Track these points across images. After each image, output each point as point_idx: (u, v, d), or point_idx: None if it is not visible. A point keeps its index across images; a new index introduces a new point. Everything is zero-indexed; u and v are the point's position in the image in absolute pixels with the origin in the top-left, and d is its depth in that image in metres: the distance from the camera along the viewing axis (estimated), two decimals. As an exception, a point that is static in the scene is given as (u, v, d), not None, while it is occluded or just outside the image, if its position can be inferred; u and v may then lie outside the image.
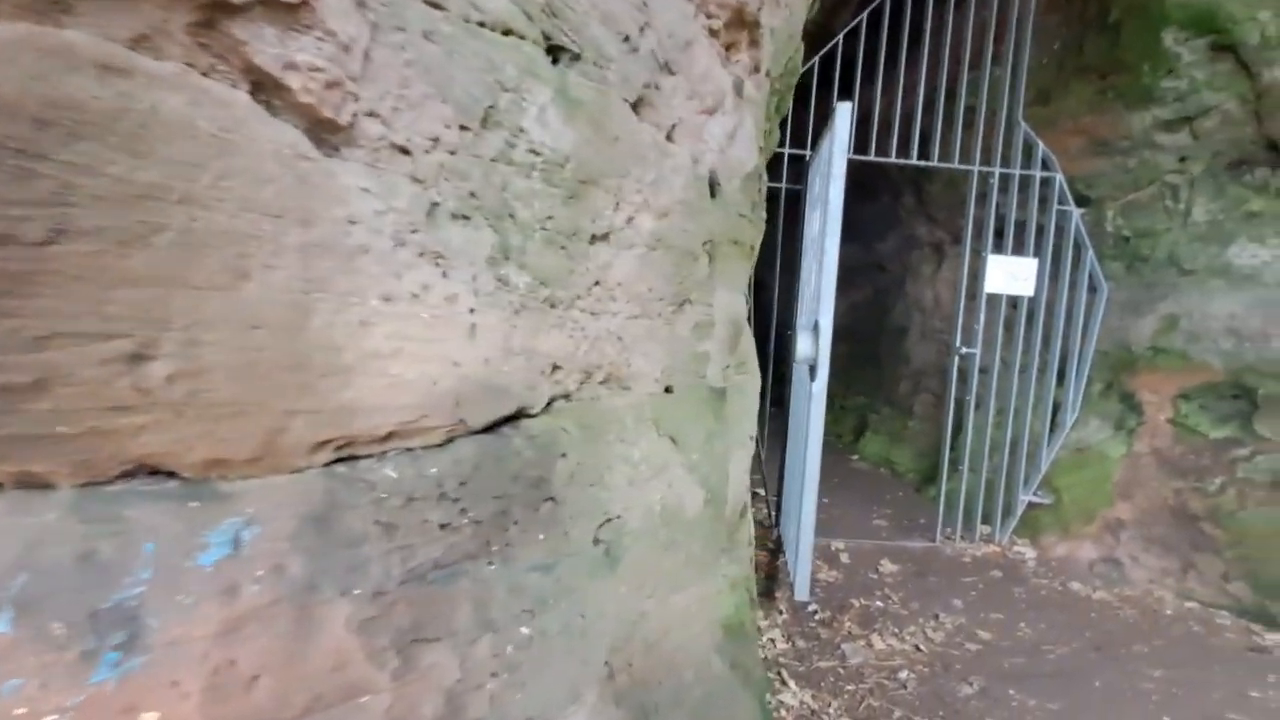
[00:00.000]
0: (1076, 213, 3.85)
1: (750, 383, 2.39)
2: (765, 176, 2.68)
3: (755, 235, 2.26)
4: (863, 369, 6.46)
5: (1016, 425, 4.01)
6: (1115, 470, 3.83)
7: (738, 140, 1.92)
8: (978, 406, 4.14)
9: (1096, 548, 3.75)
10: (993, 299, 3.96)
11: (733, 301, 2.05)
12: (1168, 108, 3.42)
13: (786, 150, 3.75)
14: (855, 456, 5.83)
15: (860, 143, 3.81)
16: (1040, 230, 3.89)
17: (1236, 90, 3.17)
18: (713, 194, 1.88)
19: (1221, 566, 3.34)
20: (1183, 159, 3.52)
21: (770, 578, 3.50)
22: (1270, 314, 3.27)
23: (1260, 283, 3.29)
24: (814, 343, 2.70)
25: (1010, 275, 3.83)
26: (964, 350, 3.89)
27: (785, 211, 3.96)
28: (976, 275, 3.92)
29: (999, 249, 3.93)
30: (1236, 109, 3.20)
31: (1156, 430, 3.73)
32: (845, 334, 6.92)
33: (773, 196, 3.91)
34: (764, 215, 2.70)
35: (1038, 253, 3.89)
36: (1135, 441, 3.80)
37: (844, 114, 2.75)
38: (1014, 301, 4.05)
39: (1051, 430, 4.10)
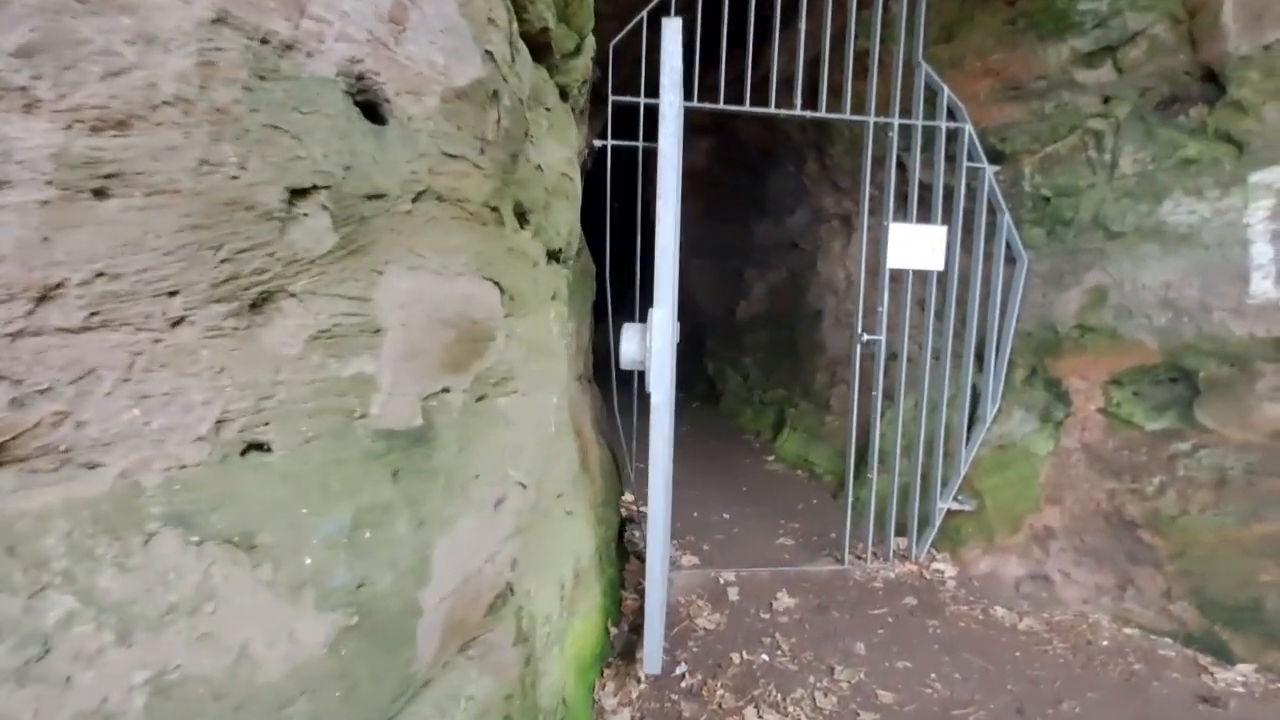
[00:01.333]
0: (989, 170, 3.28)
1: (524, 406, 1.69)
2: (549, 105, 1.96)
3: (502, 191, 1.55)
4: (782, 359, 5.88)
5: (931, 421, 3.44)
6: (1042, 469, 3.30)
7: (420, 29, 1.20)
8: (889, 400, 3.55)
9: (1023, 563, 3.21)
10: (900, 276, 3.36)
11: (451, 291, 1.34)
12: (1087, 36, 2.84)
13: (642, 101, 3.06)
14: (771, 457, 5.24)
15: (735, 96, 3.14)
16: (949, 192, 3.30)
17: (1166, 8, 2.61)
18: (377, 118, 1.16)
19: (1163, 583, 2.82)
20: (1106, 99, 2.96)
21: (637, 630, 2.84)
22: (1210, 281, 2.75)
23: (1198, 244, 2.76)
24: (642, 341, 2.01)
25: (915, 247, 3.23)
26: (866, 338, 3.28)
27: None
28: (882, 248, 3.31)
29: (903, 216, 3.33)
30: (1166, 32, 2.64)
31: (1086, 422, 3.20)
32: (764, 320, 6.33)
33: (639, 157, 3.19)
34: (560, 171, 1.99)
35: (947, 219, 3.30)
36: (1063, 435, 3.27)
37: (671, 32, 2.06)
38: (925, 278, 3.47)
39: (971, 425, 3.55)
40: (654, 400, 2.17)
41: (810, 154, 4.51)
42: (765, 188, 5.40)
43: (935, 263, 3.28)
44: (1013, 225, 3.34)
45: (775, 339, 6.02)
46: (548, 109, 1.89)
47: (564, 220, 2.08)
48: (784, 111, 3.13)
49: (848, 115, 3.18)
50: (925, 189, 3.39)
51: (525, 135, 1.63)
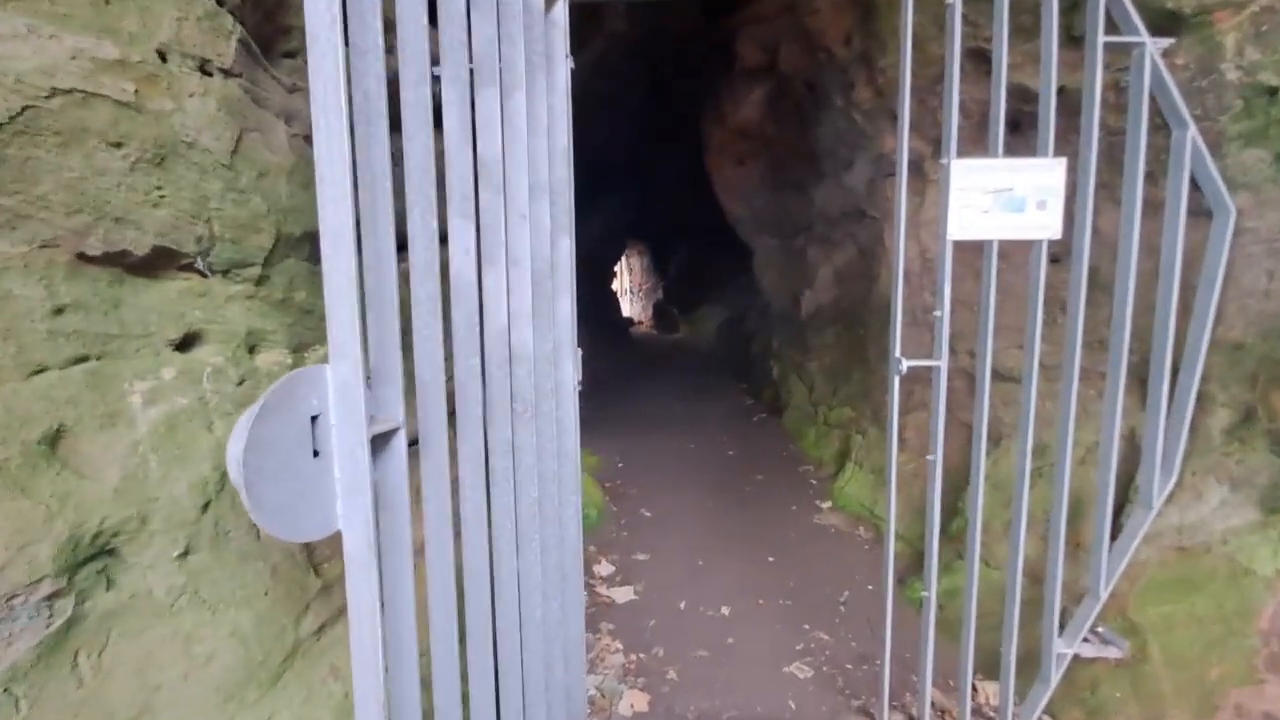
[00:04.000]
0: (1150, 46, 1.76)
1: None
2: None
3: None
4: (851, 368, 4.43)
5: (1041, 491, 2.00)
6: (1265, 603, 1.77)
7: None
8: (994, 445, 2.15)
9: (1226, 782, 1.72)
10: (970, 251, 1.94)
11: None
12: None
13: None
14: (828, 504, 3.86)
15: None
16: (1069, 99, 1.84)
17: None
18: None
19: None
20: None
21: None
22: None
23: None
24: (246, 435, 0.92)
25: (999, 200, 1.81)
26: (906, 365, 1.92)
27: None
28: (941, 205, 1.92)
29: (978, 146, 1.91)
30: None
31: (1370, 523, 1.63)
32: (831, 315, 4.89)
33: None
34: (54, 85, 0.92)
35: (1068, 148, 1.83)
36: (1315, 542, 1.72)
37: None
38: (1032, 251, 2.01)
39: (1123, 504, 2.05)
40: (347, 547, 1.08)
41: (859, 73, 3.07)
42: (816, 135, 3.98)
43: (1044, 226, 1.83)
44: (1204, 148, 1.80)
45: (843, 340, 4.58)
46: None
47: (145, 190, 1.03)
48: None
49: (865, -24, 1.81)
50: (1028, 99, 1.94)
51: None
